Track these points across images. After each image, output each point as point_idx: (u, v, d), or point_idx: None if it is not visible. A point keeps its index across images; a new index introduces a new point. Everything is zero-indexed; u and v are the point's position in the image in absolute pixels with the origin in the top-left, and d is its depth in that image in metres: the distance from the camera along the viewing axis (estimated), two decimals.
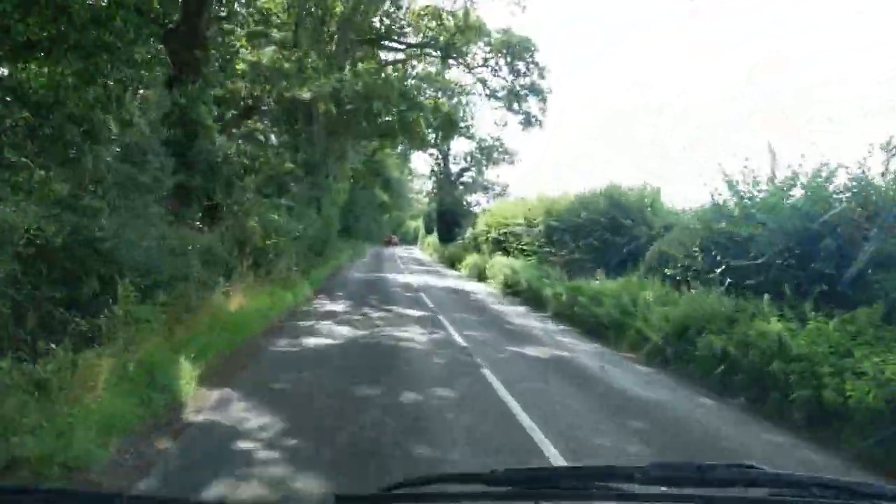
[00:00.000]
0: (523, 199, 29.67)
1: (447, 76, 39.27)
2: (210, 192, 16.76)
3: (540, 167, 79.83)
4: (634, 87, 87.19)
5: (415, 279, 25.08)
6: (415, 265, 37.07)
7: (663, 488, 1.54)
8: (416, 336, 11.01)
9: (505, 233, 28.41)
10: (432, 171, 56.73)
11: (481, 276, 27.27)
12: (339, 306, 15.07)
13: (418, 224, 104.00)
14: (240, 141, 16.01)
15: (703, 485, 1.53)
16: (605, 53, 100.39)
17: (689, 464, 1.53)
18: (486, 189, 55.11)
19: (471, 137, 53.58)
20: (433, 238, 60.02)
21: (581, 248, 18.78)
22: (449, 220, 52.63)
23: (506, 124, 25.21)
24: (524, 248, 24.97)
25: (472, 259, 31.87)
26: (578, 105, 69.71)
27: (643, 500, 1.53)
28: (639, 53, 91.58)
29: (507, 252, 27.09)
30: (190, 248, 12.63)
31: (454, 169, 56.05)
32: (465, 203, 54.15)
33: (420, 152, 55.23)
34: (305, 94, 16.83)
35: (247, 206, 17.19)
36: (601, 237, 17.67)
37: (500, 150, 54.46)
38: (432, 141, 44.56)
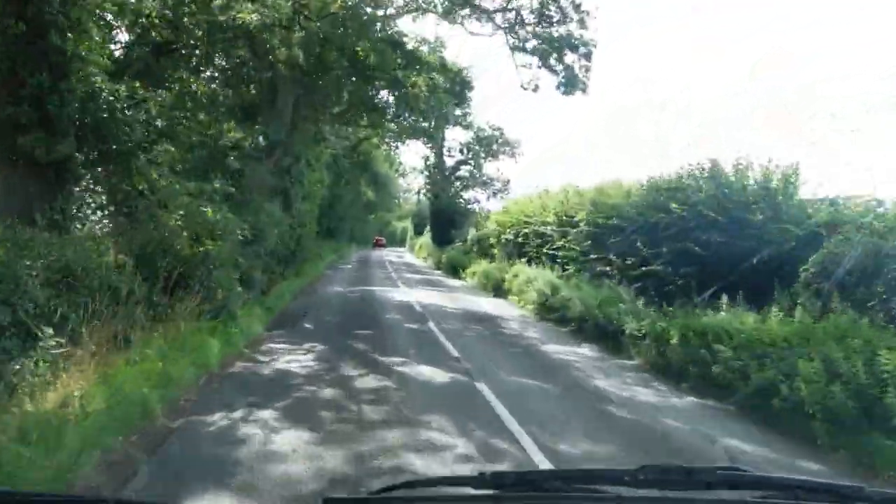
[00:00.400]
0: (547, 192, 23.56)
1: (443, 53, 33.27)
2: (96, 168, 10.61)
3: (540, 163, 74.81)
4: (637, 83, 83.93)
5: (415, 295, 18.93)
6: (409, 273, 30.93)
7: (651, 491, 1.52)
8: (458, 471, 4.83)
9: (526, 233, 22.31)
10: (426, 164, 50.38)
11: (498, 290, 21.19)
12: (299, 360, 8.88)
13: (406, 225, 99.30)
14: (138, 85, 9.74)
15: (690, 487, 1.51)
16: (607, 49, 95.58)
17: (676, 467, 1.52)
18: (485, 185, 48.84)
19: (468, 126, 47.59)
20: (425, 240, 53.91)
21: (665, 257, 12.69)
22: (445, 220, 46.54)
23: (536, 88, 18.88)
24: (557, 254, 18.91)
25: (480, 267, 25.77)
26: (580, 101, 65.63)
27: (630, 503, 1.53)
28: (641, 49, 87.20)
29: (529, 259, 21.06)
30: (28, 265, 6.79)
31: (449, 162, 49.79)
32: (462, 201, 48.00)
33: (411, 143, 49.16)
34: (251, 17, 10.52)
35: (162, 192, 10.97)
36: (705, 241, 11.58)
37: (501, 140, 48.50)
38: (430, 124, 38.34)
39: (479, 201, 47.48)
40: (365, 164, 47.92)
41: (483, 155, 48.16)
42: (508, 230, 24.16)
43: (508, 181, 48.87)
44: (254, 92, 14.14)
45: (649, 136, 58.70)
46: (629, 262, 14.20)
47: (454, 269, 30.51)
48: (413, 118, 27.37)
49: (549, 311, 15.30)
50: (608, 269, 15.33)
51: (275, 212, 16.42)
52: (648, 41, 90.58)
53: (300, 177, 20.17)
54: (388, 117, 24.88)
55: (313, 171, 22.83)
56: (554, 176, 63.70)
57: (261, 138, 15.65)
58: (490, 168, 49.13)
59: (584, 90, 17.59)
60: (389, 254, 56.55)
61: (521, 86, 18.17)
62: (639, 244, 13.81)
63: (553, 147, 77.69)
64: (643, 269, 13.45)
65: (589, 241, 17.00)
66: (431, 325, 12.81)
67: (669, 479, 1.51)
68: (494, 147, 48.42)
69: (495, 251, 26.15)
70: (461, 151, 49.22)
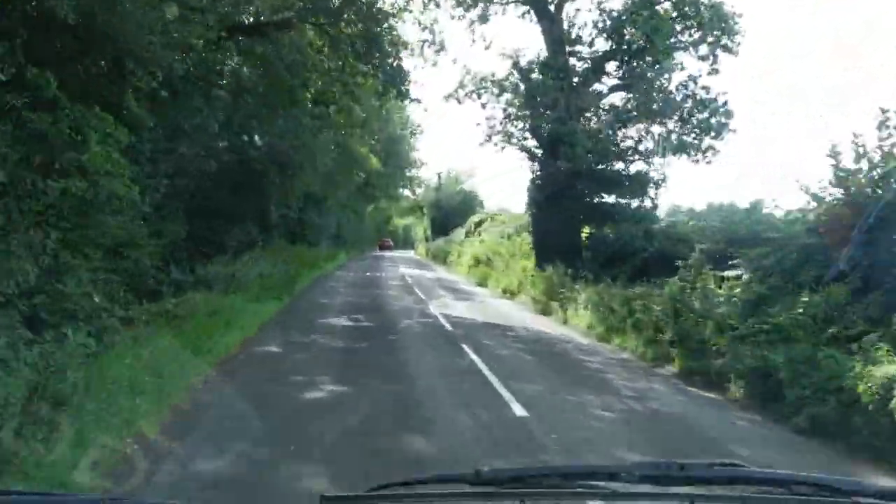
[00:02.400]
0: None
1: None
2: None
3: None
4: None
5: None
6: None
7: (647, 487, 1.50)
8: None
9: None
10: (514, 65, 20.80)
11: None
12: None
13: (410, 222, 71.62)
14: None
15: (687, 483, 1.49)
16: None
17: (672, 462, 1.50)
18: (675, 117, 19.40)
19: None
20: (479, 247, 24.76)
21: None
22: (577, 200, 17.81)
23: None
24: None
25: None
26: None
27: (627, 498, 1.51)
28: None
29: None
30: None
31: (576, 53, 20.29)
32: (629, 155, 19.02)
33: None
34: None
35: None
36: None
37: (709, 3, 19.32)
38: None
39: (686, 151, 18.12)
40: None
41: (679, 31, 18.80)
42: None
43: (725, 104, 19.63)
44: None
45: None
46: None
47: None
48: None
49: None
50: None
51: None
52: None
53: None
54: None
55: None
56: None
57: None
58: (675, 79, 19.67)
59: None
60: (418, 275, 26.94)
61: None
62: None
63: None
64: None
65: None
66: None
67: (665, 474, 1.49)
68: (692, 29, 19.28)
69: None
70: (608, 36, 19.93)
